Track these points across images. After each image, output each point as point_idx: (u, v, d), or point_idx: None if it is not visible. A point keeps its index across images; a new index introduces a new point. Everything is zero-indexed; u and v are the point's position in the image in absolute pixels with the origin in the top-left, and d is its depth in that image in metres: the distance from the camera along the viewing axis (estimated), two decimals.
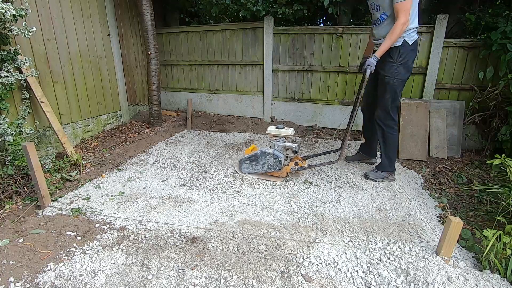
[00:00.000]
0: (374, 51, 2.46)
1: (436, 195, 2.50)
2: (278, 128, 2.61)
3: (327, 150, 2.94)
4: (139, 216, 2.08)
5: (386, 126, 2.49)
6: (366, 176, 2.68)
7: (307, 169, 2.77)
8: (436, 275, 1.47)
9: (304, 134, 4.12)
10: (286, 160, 2.64)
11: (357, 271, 1.57)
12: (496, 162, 1.97)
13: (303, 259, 1.65)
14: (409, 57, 2.33)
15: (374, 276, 1.52)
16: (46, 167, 2.65)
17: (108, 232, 1.90)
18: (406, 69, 2.36)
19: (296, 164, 2.66)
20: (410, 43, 2.30)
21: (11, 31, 2.37)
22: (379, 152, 2.76)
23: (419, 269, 1.52)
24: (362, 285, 1.49)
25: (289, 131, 2.59)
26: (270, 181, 2.66)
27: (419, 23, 2.37)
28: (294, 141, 2.65)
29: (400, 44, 2.30)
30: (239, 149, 3.52)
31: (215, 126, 4.42)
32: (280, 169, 2.62)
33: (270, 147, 2.65)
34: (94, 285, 1.48)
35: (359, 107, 2.71)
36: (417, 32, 2.39)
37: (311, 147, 3.59)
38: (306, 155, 2.99)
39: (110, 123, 4.09)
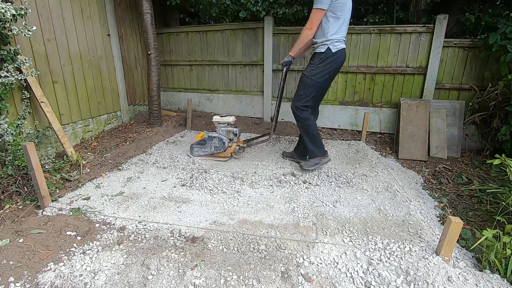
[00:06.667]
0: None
1: (436, 195, 2.50)
2: (222, 116, 3.13)
3: (261, 134, 3.27)
4: (139, 216, 2.08)
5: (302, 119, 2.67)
6: (300, 167, 2.80)
7: (247, 148, 3.30)
8: (436, 275, 1.47)
9: None
10: (229, 142, 3.10)
11: (357, 271, 1.57)
12: (496, 162, 1.97)
13: (303, 259, 1.65)
14: (330, 64, 2.53)
15: (374, 276, 1.52)
16: (46, 167, 2.65)
17: (108, 232, 1.90)
18: (323, 74, 2.56)
19: (238, 145, 3.12)
20: (334, 51, 2.49)
21: (11, 31, 2.37)
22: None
23: (419, 269, 1.52)
24: (362, 285, 1.49)
25: (230, 118, 3.09)
26: (216, 160, 3.10)
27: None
28: (236, 127, 3.15)
29: (323, 51, 2.50)
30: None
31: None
32: (225, 150, 3.05)
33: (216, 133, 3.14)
34: (94, 285, 1.48)
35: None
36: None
37: None
38: (246, 139, 3.47)
39: (110, 123, 4.09)
